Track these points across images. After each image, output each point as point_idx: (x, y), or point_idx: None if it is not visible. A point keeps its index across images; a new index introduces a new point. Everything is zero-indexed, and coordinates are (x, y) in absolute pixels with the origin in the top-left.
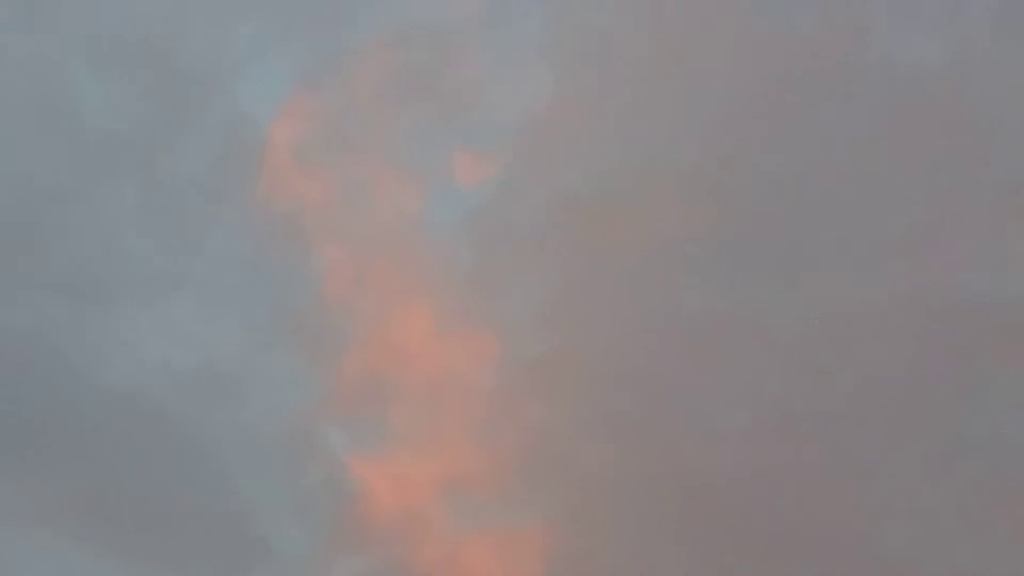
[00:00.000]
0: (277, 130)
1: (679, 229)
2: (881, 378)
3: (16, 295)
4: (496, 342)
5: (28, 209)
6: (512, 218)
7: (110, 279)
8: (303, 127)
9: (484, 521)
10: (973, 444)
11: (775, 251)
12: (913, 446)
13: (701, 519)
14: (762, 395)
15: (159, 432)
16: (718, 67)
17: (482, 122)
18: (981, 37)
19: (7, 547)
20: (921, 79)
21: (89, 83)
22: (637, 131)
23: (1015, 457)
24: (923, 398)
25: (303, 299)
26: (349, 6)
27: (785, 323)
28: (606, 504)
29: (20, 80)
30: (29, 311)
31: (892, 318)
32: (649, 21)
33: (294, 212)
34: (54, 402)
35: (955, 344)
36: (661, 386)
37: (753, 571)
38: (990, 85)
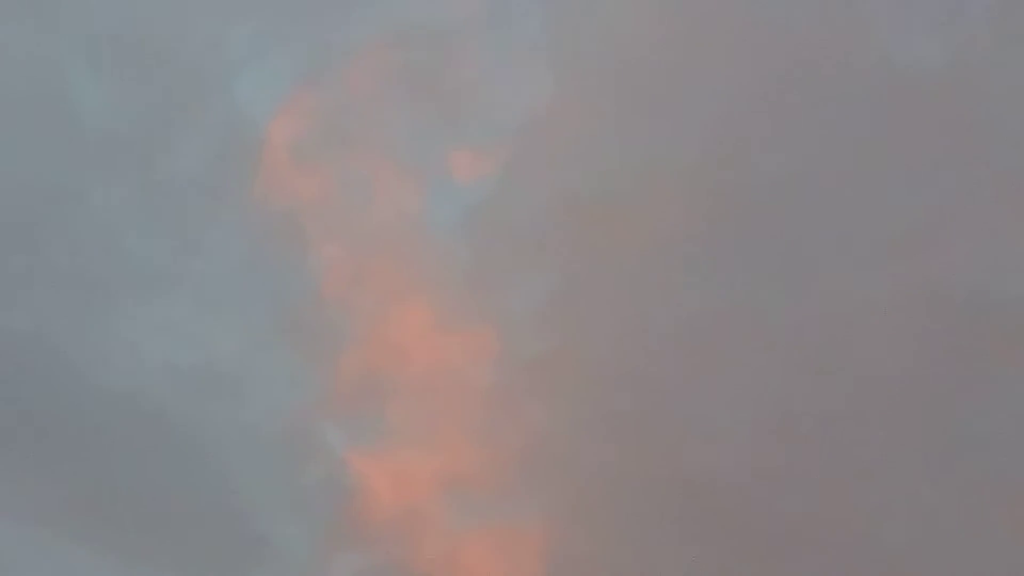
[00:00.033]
0: (275, 129)
1: (679, 228)
2: (881, 378)
3: (13, 294)
4: (495, 340)
5: (25, 208)
6: (511, 216)
7: (108, 278)
8: (301, 125)
9: (484, 519)
10: (973, 444)
11: (775, 250)
12: (913, 446)
13: (701, 517)
14: (762, 394)
15: (157, 430)
16: (718, 66)
17: (481, 120)
18: (982, 37)
19: (4, 545)
20: (921, 78)
21: (86, 82)
22: (637, 130)
23: (1015, 457)
24: (923, 398)
25: (301, 297)
26: (347, 4)
27: (785, 322)
28: (606, 502)
29: (17, 78)
30: (27, 310)
31: (893, 317)
32: (649, 20)
33: (292, 210)
34: (52, 401)
35: (956, 344)
36: (661, 384)
37: (753, 570)
38: (991, 85)
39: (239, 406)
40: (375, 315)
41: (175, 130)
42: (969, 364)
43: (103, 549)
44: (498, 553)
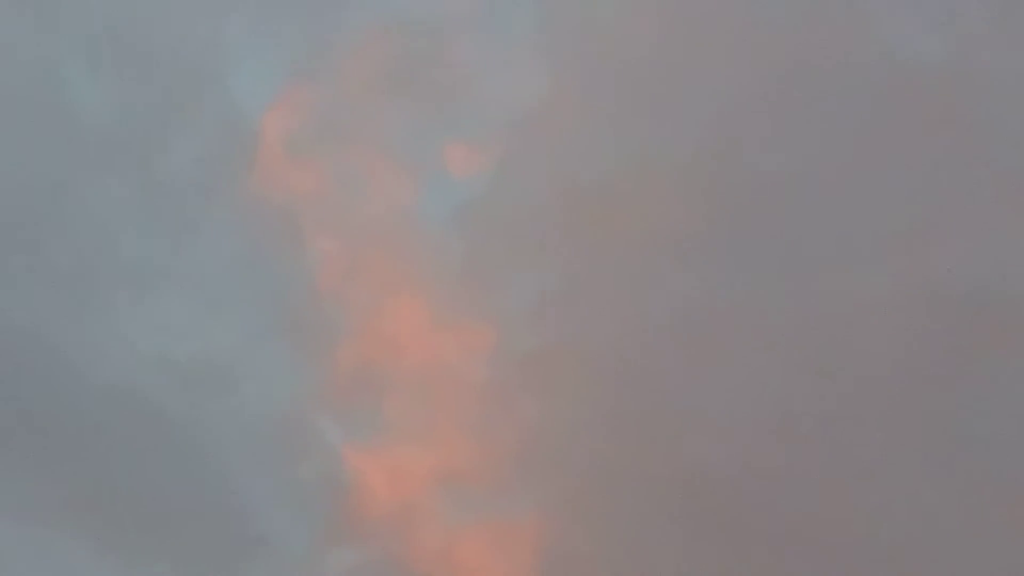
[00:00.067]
0: (269, 122)
1: (675, 223)
2: (881, 376)
3: (11, 291)
4: (490, 334)
5: (22, 205)
6: (506, 210)
7: (104, 273)
8: (295, 119)
9: (479, 514)
10: (973, 444)
11: (773, 246)
12: (913, 446)
13: (697, 513)
14: (759, 390)
15: (154, 426)
16: (715, 60)
17: (476, 114)
18: (981, 33)
19: (2, 542)
20: (921, 74)
21: (82, 78)
22: (632, 124)
23: (1015, 457)
24: (923, 397)
25: (297, 291)
26: None
27: (783, 318)
28: (601, 498)
29: (15, 77)
30: (24, 306)
31: (892, 315)
32: (645, 14)
33: (287, 204)
34: (49, 397)
35: (955, 342)
36: (657, 380)
37: (750, 567)
38: (990, 81)
39: (236, 401)
40: (370, 309)
41: (170, 126)
42: (970, 362)
43: (97, 543)
44: (494, 547)
